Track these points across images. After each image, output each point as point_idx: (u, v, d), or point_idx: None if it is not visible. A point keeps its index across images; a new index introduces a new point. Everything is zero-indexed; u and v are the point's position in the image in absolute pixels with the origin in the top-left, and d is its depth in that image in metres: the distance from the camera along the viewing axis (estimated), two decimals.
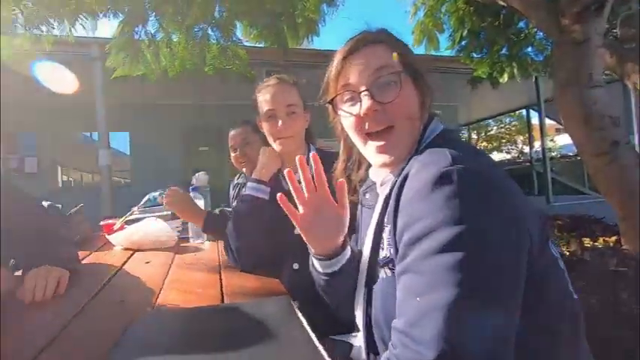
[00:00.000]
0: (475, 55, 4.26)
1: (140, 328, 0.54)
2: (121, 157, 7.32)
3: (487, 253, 0.46)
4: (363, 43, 0.64)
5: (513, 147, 19.35)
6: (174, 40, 3.42)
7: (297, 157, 0.65)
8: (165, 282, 0.93)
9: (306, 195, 0.67)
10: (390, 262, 0.59)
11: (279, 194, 0.66)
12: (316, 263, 0.73)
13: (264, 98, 1.03)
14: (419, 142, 0.64)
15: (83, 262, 1.18)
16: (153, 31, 3.36)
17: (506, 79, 4.32)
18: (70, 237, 1.22)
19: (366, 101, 0.62)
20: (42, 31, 2.42)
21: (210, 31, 3.54)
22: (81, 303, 0.76)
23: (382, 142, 0.64)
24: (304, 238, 0.70)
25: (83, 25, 2.52)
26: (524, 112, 11.58)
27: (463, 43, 4.25)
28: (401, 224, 0.53)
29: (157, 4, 3.16)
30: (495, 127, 19.18)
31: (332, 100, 0.68)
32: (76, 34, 2.97)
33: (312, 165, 0.66)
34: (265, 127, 1.05)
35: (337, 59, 0.67)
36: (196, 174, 1.65)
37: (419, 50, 4.21)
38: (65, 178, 8.16)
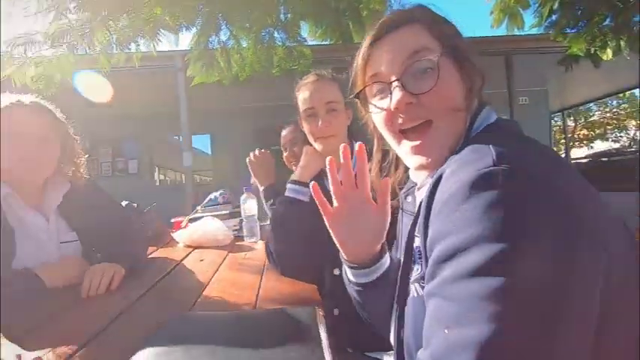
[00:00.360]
0: (568, 31, 3.68)
1: (160, 335, 0.55)
2: (204, 157, 8.02)
3: (537, 279, 0.35)
4: (393, 24, 0.55)
5: (622, 134, 16.46)
6: (244, 46, 3.60)
7: (341, 146, 0.60)
8: (210, 282, 0.95)
9: (343, 189, 0.62)
10: (421, 279, 0.51)
11: (312, 182, 0.62)
12: (349, 271, 0.66)
13: (302, 96, 1.00)
14: (465, 137, 0.53)
15: (150, 256, 1.29)
16: (224, 40, 3.60)
17: (610, 55, 3.65)
18: (142, 234, 1.33)
19: (397, 93, 0.53)
20: (129, 49, 2.72)
21: (276, 34, 3.65)
22: (127, 301, 0.82)
23: (418, 141, 0.54)
24: (334, 239, 0.64)
25: (160, 40, 2.77)
26: (636, 92, 9.77)
27: (553, 17, 3.71)
28: (431, 236, 0.45)
29: (227, 13, 3.35)
30: (598, 112, 16.52)
31: (359, 93, 0.61)
32: (161, 48, 3.31)
33: (356, 158, 0.60)
34: (305, 127, 1.01)
35: (364, 46, 0.58)
36: (252, 180, 1.70)
37: (499, 32, 3.78)
38: (162, 177, 9.24)
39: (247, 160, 1.55)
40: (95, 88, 2.71)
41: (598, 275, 0.38)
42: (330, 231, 0.63)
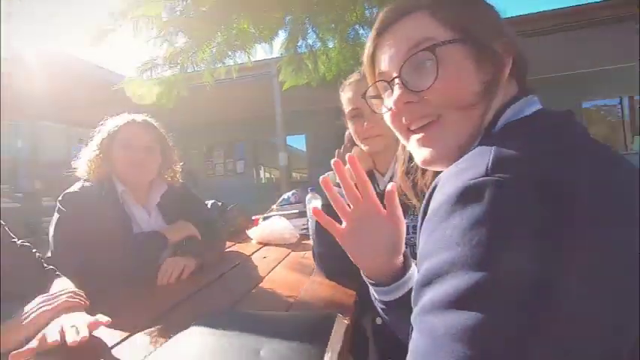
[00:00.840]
0: None
1: (190, 329, 0.62)
2: (301, 155, 8.48)
3: (518, 318, 0.29)
4: (396, 15, 0.50)
5: None
6: (330, 46, 3.68)
7: (332, 161, 0.59)
8: (264, 279, 1.02)
9: (349, 206, 0.60)
10: None
11: (313, 206, 0.62)
12: (370, 288, 0.63)
13: (347, 96, 0.98)
14: (486, 134, 0.46)
15: (227, 250, 1.44)
16: (311, 43, 3.73)
17: None
18: (221, 232, 1.49)
19: (395, 92, 0.48)
20: (224, 63, 3.05)
21: (361, 31, 3.63)
22: (188, 291, 0.94)
23: (422, 134, 0.49)
24: (350, 257, 0.62)
25: (248, 52, 3.02)
26: None
27: None
28: (418, 254, 0.40)
29: (313, 16, 3.47)
30: None
31: (366, 93, 0.57)
32: (259, 57, 3.62)
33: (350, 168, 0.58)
34: (351, 127, 1.00)
35: (368, 41, 0.54)
36: (327, 173, 1.73)
37: None
38: (268, 175, 10.10)
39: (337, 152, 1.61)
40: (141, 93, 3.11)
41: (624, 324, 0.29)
42: (345, 250, 0.60)
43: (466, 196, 0.34)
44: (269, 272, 1.08)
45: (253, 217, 1.87)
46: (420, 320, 0.35)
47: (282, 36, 3.51)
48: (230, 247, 1.50)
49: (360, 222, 0.58)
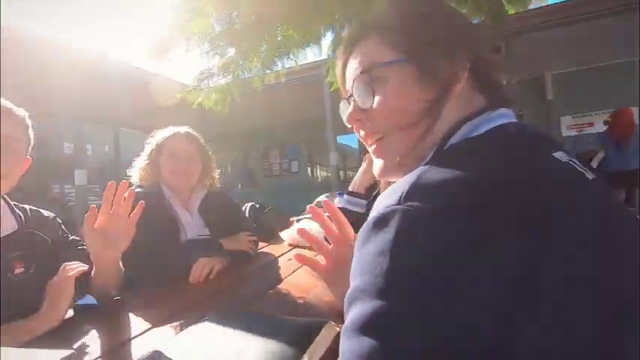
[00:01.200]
0: None
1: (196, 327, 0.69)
2: (355, 154, 8.48)
3: (418, 353, 0.30)
4: (353, 39, 0.53)
5: None
6: None
7: (307, 207, 0.63)
8: (283, 281, 1.07)
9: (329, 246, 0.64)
10: None
11: (296, 254, 0.66)
12: None
13: None
14: (436, 153, 0.46)
15: (260, 250, 1.52)
16: None
17: None
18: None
19: (349, 109, 0.53)
20: (271, 69, 3.18)
21: None
22: (214, 289, 1.02)
23: (375, 146, 0.53)
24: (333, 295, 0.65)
25: (294, 59, 3.12)
26: None
27: None
28: None
29: (360, 14, 3.46)
30: None
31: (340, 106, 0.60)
32: (307, 60, 3.71)
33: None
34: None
35: (337, 57, 0.58)
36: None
37: None
38: (324, 173, 10.25)
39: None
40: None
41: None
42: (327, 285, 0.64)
43: (379, 224, 0.35)
44: (289, 274, 1.13)
45: (291, 219, 1.94)
46: (341, 341, 0.37)
47: (329, 37, 3.55)
48: (262, 247, 1.58)
49: (343, 259, 0.61)
